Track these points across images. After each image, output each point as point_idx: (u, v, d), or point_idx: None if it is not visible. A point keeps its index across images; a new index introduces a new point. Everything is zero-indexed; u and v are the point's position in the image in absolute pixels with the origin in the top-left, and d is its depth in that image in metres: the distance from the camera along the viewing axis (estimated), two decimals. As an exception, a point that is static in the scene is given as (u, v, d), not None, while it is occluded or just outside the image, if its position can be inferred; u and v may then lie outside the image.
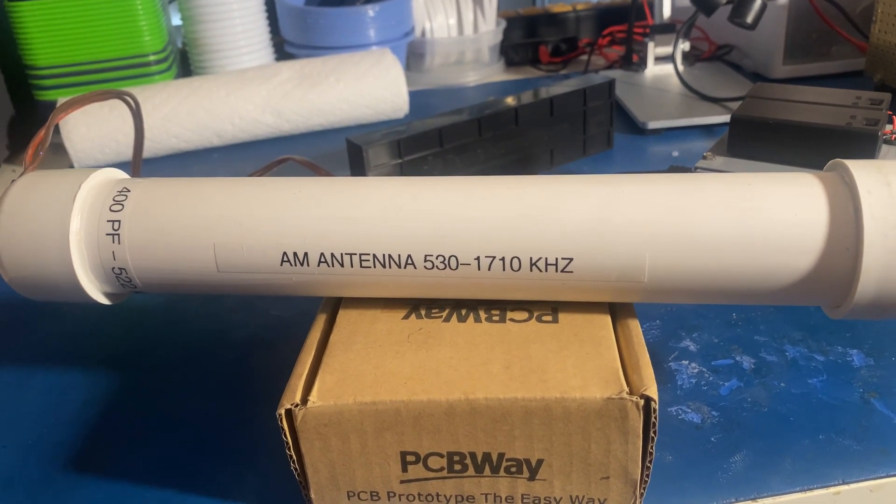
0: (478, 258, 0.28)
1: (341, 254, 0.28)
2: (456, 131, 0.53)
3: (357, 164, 0.50)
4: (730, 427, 0.31)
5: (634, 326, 0.28)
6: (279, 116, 0.67)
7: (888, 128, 0.40)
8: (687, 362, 0.35)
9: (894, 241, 0.24)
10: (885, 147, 0.40)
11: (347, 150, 0.51)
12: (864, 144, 0.37)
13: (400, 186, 0.29)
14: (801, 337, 0.36)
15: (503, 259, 0.27)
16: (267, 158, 0.57)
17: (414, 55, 0.82)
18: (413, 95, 0.75)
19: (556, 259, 0.27)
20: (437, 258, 0.28)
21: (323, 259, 0.28)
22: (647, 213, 0.26)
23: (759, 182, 0.27)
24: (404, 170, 0.51)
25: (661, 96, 0.69)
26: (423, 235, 0.28)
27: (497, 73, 0.84)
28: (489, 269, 0.28)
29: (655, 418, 0.25)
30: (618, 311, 0.29)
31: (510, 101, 0.55)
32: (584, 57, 0.85)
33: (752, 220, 0.26)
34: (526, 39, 0.87)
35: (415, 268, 0.28)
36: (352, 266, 0.28)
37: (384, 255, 0.28)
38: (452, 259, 0.28)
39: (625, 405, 0.24)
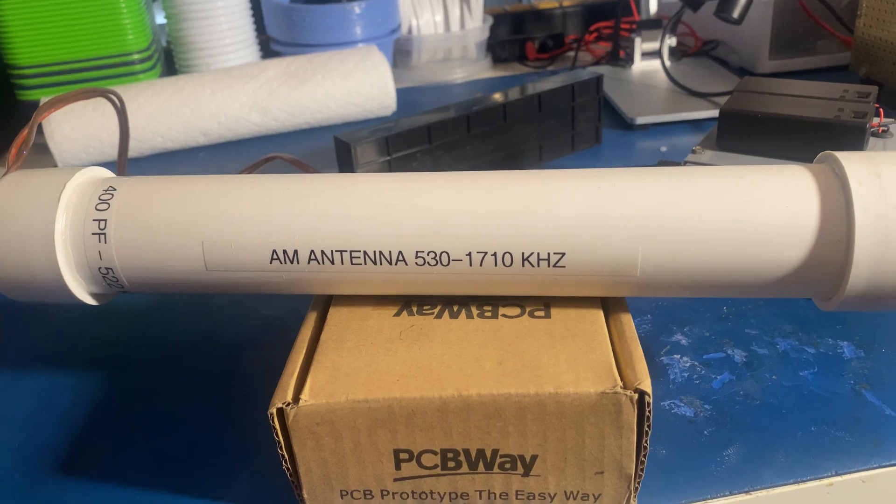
0: (469, 254, 0.27)
1: (331, 251, 0.28)
2: (444, 128, 0.53)
3: (345, 162, 0.50)
4: (722, 420, 0.31)
5: (627, 320, 0.28)
6: (266, 115, 0.66)
7: (875, 120, 0.41)
8: (679, 356, 0.35)
9: (885, 232, 0.24)
10: (872, 139, 0.40)
11: (335, 148, 0.51)
12: (853, 137, 0.37)
13: (390, 182, 0.29)
14: (791, 329, 0.36)
15: (495, 255, 0.27)
16: (254, 157, 0.57)
17: (401, 52, 0.81)
18: (400, 93, 0.75)
19: (549, 254, 0.27)
20: (428, 254, 0.28)
21: (313, 256, 0.28)
22: (639, 206, 0.26)
23: (751, 175, 0.27)
24: (393, 167, 0.51)
25: (649, 92, 0.69)
26: (414, 231, 0.27)
27: (484, 70, 0.83)
28: (481, 265, 0.28)
29: (650, 412, 0.24)
30: (610, 306, 0.29)
31: (498, 97, 0.55)
32: (571, 53, 0.85)
33: (743, 212, 0.26)
34: (513, 36, 0.86)
35: (406, 264, 0.28)
36: (342, 263, 0.28)
37: (375, 252, 0.28)
38: (444, 255, 0.28)
39: (619, 399, 0.24)
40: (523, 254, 0.27)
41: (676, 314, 0.38)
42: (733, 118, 0.40)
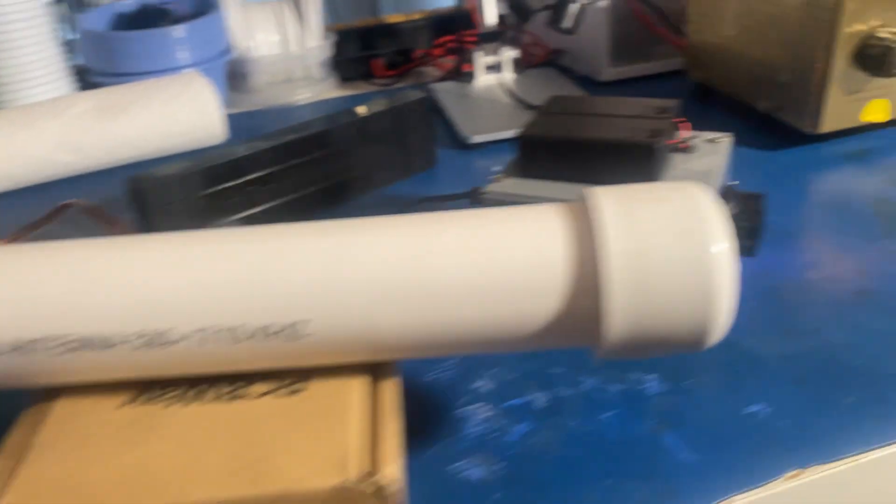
0: (202, 329, 0.24)
1: (32, 338, 0.24)
2: (256, 161, 0.49)
3: (140, 206, 0.45)
4: (514, 480, 0.28)
5: (390, 388, 0.25)
6: (78, 153, 0.61)
7: (678, 136, 0.39)
8: (478, 406, 0.32)
9: (635, 273, 0.22)
10: (676, 155, 0.39)
11: (129, 190, 0.46)
12: (644, 157, 0.35)
13: (99, 250, 0.25)
14: (598, 366, 0.34)
15: (229, 329, 0.24)
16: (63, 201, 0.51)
17: (237, 75, 0.77)
18: (237, 118, 0.70)
19: (285, 325, 0.24)
20: (151, 334, 0.24)
21: (15, 346, 0.24)
22: (378, 266, 0.23)
23: (499, 221, 0.24)
24: (200, 208, 0.47)
25: (491, 107, 0.67)
26: (129, 308, 0.24)
27: (330, 90, 0.80)
28: (214, 342, 0.24)
29: (396, 499, 0.22)
30: (378, 370, 0.26)
31: (319, 123, 0.52)
32: (422, 69, 0.82)
33: (487, 265, 0.23)
34: (360, 53, 0.83)
35: (126, 347, 0.24)
36: (47, 351, 0.24)
37: (84, 337, 0.24)
38: (170, 332, 0.24)
39: (353, 494, 0.21)
40: (258, 326, 0.24)
41: (485, 356, 0.35)
42: (530, 143, 0.38)
